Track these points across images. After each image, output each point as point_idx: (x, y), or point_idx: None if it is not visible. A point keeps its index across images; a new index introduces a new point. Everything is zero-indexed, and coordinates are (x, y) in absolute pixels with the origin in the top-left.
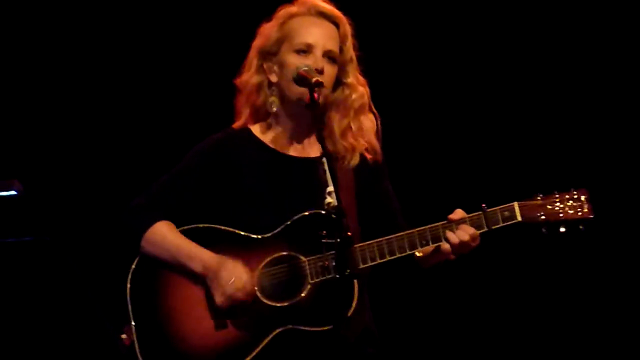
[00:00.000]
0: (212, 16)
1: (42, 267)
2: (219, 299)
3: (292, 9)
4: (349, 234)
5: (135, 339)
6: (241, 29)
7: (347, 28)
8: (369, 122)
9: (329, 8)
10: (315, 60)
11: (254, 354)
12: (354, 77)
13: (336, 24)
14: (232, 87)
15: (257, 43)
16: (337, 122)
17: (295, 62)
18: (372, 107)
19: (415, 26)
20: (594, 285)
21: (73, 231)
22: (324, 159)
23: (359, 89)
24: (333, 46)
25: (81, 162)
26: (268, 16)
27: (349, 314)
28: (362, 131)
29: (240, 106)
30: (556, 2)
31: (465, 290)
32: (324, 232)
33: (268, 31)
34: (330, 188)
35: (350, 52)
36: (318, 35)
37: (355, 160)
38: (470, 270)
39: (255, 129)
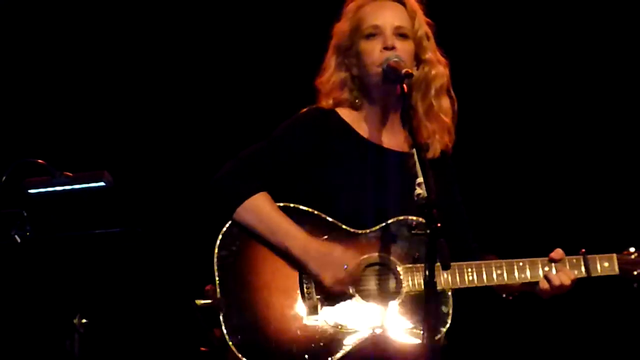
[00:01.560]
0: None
1: (132, 258)
2: (329, 280)
3: (358, 1)
4: (439, 225)
5: (222, 311)
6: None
7: (415, 4)
8: (448, 104)
9: None
10: (384, 39)
11: (343, 352)
12: (433, 54)
13: (401, 2)
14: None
15: (333, 42)
16: (419, 101)
17: (368, 47)
18: (451, 89)
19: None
20: None
21: (162, 222)
22: (414, 150)
23: (438, 67)
24: (402, 22)
25: (168, 154)
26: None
27: (442, 333)
28: (444, 112)
29: (323, 99)
30: None
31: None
32: (414, 223)
33: (340, 28)
34: (420, 179)
35: (424, 28)
36: (384, 15)
37: (438, 148)
38: None
39: (342, 113)
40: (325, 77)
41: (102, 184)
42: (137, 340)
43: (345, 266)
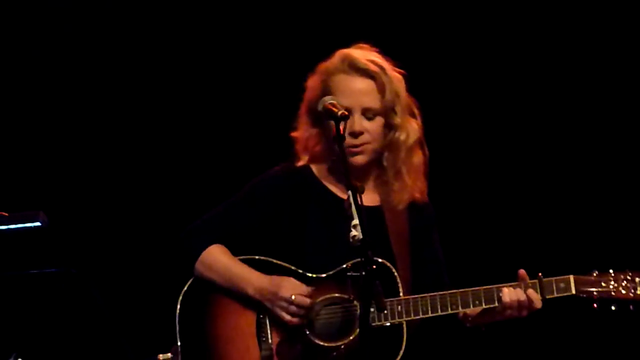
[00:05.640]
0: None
1: (67, 299)
2: (285, 316)
3: (329, 65)
4: (374, 267)
5: None
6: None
7: (383, 77)
8: (419, 159)
9: (363, 62)
10: (352, 124)
11: None
12: (402, 117)
13: (372, 76)
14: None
15: (306, 97)
16: (390, 162)
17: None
18: (424, 143)
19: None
20: None
21: (98, 262)
22: (349, 192)
23: (407, 128)
24: (371, 102)
25: (105, 194)
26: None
27: None
28: (414, 171)
29: (299, 152)
30: None
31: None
32: (349, 265)
33: (312, 87)
34: (356, 221)
35: (393, 94)
36: (354, 95)
37: (405, 201)
38: None
39: (316, 169)
40: (300, 132)
41: (37, 224)
42: None
43: (293, 297)
